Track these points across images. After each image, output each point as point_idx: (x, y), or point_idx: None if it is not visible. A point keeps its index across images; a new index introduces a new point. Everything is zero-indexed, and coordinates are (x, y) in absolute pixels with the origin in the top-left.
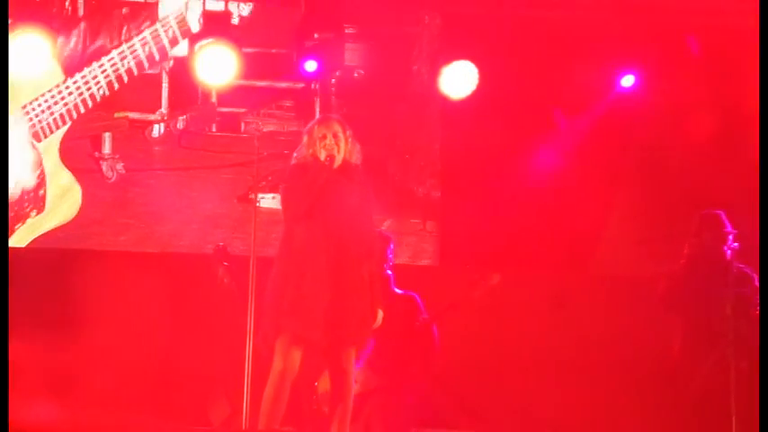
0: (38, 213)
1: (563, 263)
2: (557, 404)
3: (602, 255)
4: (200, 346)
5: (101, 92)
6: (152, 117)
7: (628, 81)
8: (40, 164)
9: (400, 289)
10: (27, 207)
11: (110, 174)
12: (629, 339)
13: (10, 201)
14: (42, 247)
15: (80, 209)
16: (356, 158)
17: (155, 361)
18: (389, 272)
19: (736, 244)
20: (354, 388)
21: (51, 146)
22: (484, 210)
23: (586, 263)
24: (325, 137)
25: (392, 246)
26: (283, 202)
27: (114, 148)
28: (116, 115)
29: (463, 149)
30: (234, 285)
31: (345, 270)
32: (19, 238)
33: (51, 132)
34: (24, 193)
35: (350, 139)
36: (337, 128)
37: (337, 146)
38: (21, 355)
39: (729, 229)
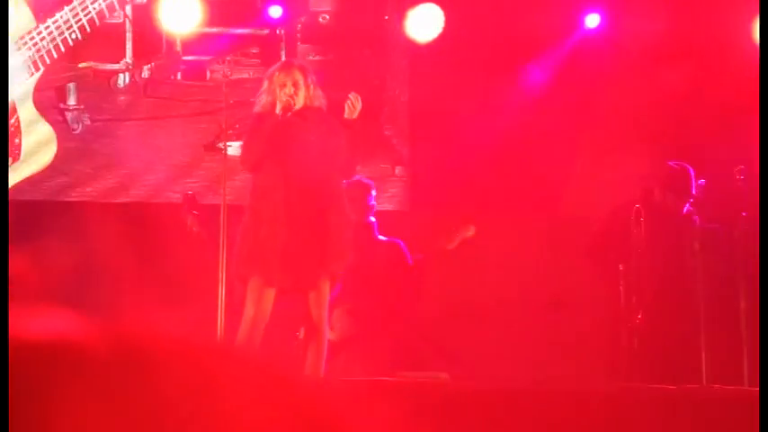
0: (13, 162)
1: (532, 206)
2: (528, 347)
3: (569, 198)
4: (171, 295)
5: (73, 36)
6: (117, 66)
7: (593, 21)
8: (14, 112)
9: (384, 236)
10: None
11: (75, 125)
12: (599, 280)
13: None
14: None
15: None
16: (319, 103)
17: (126, 311)
18: (373, 219)
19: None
20: (331, 335)
21: (26, 94)
22: (452, 154)
23: (555, 206)
24: (284, 84)
25: (374, 192)
26: (240, 153)
27: (79, 99)
28: (80, 65)
29: (431, 94)
30: (204, 234)
31: (305, 211)
32: None
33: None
34: None
35: (311, 86)
36: (298, 75)
37: (296, 95)
38: None
39: (695, 184)
